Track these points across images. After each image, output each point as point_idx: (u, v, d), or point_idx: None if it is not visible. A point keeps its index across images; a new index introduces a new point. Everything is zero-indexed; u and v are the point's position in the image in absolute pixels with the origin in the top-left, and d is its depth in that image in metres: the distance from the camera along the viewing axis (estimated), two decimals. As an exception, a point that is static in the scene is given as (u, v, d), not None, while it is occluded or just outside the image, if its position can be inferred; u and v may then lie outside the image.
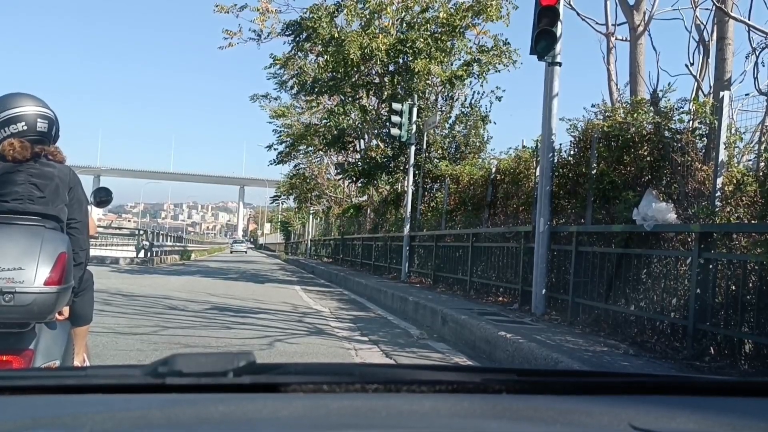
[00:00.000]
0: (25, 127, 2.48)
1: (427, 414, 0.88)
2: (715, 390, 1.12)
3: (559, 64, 6.93)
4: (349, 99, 17.07)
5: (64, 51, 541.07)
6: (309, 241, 37.00)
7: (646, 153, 6.10)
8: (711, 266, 4.78)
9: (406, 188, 13.83)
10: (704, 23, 8.38)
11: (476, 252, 9.69)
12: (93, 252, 3.82)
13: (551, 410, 0.92)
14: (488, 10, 14.55)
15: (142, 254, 21.54)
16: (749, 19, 7.03)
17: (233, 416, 0.82)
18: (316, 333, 6.53)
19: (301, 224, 44.11)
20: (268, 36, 16.80)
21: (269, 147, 26.80)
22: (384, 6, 15.47)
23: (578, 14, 9.70)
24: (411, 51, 14.88)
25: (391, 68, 15.94)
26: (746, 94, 7.43)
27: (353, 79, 16.14)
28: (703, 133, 5.78)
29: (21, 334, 2.28)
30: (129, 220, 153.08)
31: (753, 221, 4.91)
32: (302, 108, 25.50)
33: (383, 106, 17.07)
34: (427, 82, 15.17)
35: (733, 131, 5.45)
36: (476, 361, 5.46)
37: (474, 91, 15.44)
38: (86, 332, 2.91)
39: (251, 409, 0.86)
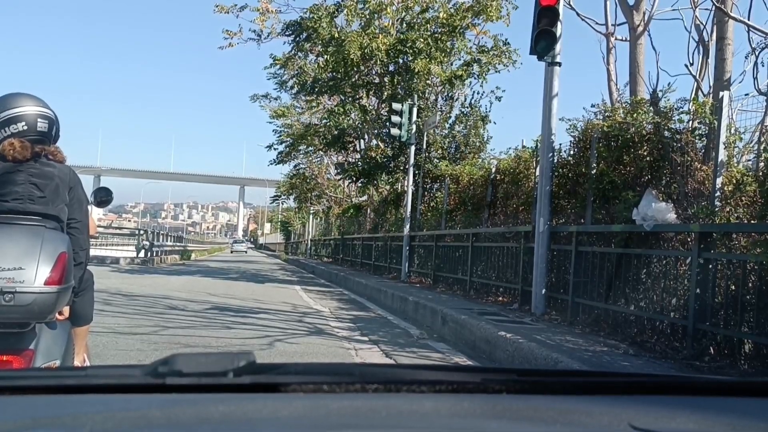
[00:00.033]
0: (26, 127, 2.48)
1: (427, 414, 0.88)
2: (714, 390, 1.12)
3: (559, 64, 6.93)
4: (349, 99, 17.07)
5: (64, 51, 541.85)
6: (309, 241, 37.01)
7: (645, 153, 6.10)
8: (711, 266, 4.78)
9: (406, 188, 13.83)
10: (704, 23, 8.38)
11: (476, 252, 9.69)
12: (93, 252, 3.82)
13: (551, 410, 0.92)
14: (488, 10, 14.55)
15: (142, 254, 21.54)
16: (749, 19, 7.03)
17: (233, 416, 0.82)
18: (316, 333, 6.53)
19: (301, 224, 44.12)
20: (268, 36, 16.82)
21: (269, 147, 26.81)
22: (384, 6, 15.47)
23: (578, 14, 9.70)
24: (411, 51, 14.88)
25: (391, 68, 15.94)
26: (746, 94, 7.43)
27: (353, 79, 16.14)
28: (703, 133, 5.78)
29: (21, 334, 2.28)
30: (129, 220, 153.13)
31: (752, 221, 4.91)
32: (302, 108, 25.49)
33: (383, 106, 17.07)
34: (427, 82, 15.18)
35: (732, 131, 5.45)
36: (476, 361, 5.46)
37: (474, 91, 15.46)
38: (86, 332, 2.91)
39: (251, 409, 0.86)
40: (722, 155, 5.14)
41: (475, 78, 15.19)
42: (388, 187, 17.28)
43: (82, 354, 2.86)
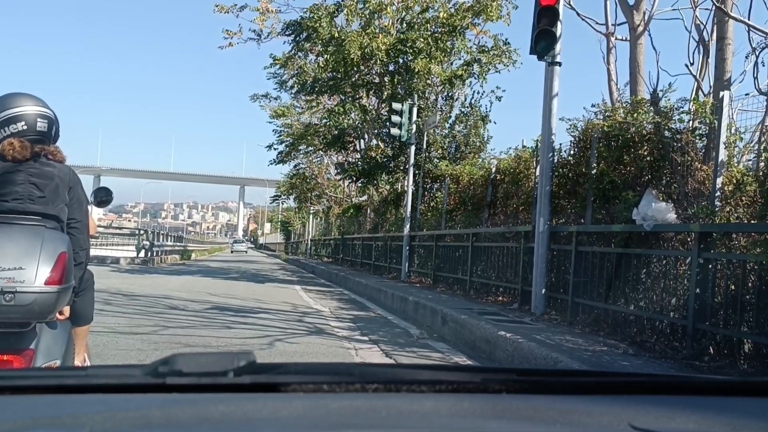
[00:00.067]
0: (25, 127, 2.48)
1: (427, 414, 0.88)
2: (714, 390, 1.12)
3: (559, 64, 6.93)
4: (349, 99, 17.07)
5: (64, 51, 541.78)
6: (309, 241, 37.01)
7: (646, 153, 6.10)
8: (710, 266, 4.78)
9: (406, 188, 13.83)
10: (704, 23, 8.38)
11: (476, 252, 9.69)
12: (93, 252, 3.82)
13: (551, 410, 0.92)
14: (488, 10, 14.54)
15: (142, 254, 21.54)
16: (749, 19, 7.03)
17: (233, 416, 0.83)
18: (316, 333, 6.53)
19: (301, 224, 44.13)
20: (268, 36, 16.82)
21: (269, 147, 26.83)
22: (384, 6, 15.46)
23: (578, 14, 9.70)
24: (411, 51, 14.88)
25: (391, 68, 15.94)
26: (746, 94, 7.43)
27: (353, 79, 16.14)
28: (703, 132, 5.77)
29: (21, 334, 2.28)
30: (129, 220, 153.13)
31: (752, 221, 4.91)
32: (302, 108, 25.49)
33: (383, 105, 17.07)
34: (427, 81, 15.18)
35: (732, 131, 5.45)
36: (476, 360, 5.46)
37: (474, 91, 15.46)
38: (87, 332, 2.91)
39: (251, 409, 0.86)
40: (722, 155, 5.14)
41: (475, 78, 15.20)
42: (388, 187, 17.28)
43: (82, 354, 2.86)
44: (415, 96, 14.32)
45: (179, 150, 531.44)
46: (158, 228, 32.24)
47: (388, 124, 15.00)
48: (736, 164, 5.47)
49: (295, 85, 20.11)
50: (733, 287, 4.61)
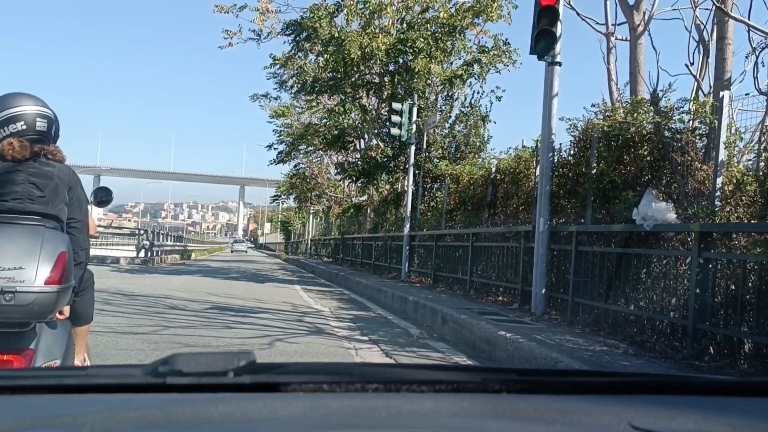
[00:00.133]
0: (24, 127, 2.48)
1: (427, 414, 0.88)
2: (714, 390, 1.12)
3: (559, 63, 6.93)
4: (349, 99, 17.06)
5: (64, 51, 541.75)
6: (309, 241, 37.02)
7: (646, 153, 6.10)
8: (710, 266, 4.78)
9: (406, 188, 13.83)
10: (704, 23, 8.38)
11: (476, 252, 9.69)
12: (93, 252, 3.82)
13: (551, 410, 0.92)
14: (488, 10, 14.54)
15: (142, 254, 21.54)
16: (749, 19, 7.03)
17: (233, 416, 0.82)
18: (316, 332, 6.53)
19: (301, 224, 44.13)
20: (268, 36, 16.82)
21: (269, 147, 26.84)
22: (384, 6, 15.46)
23: (578, 14, 9.70)
24: (411, 50, 14.88)
25: (391, 68, 15.94)
26: (746, 94, 7.42)
27: (353, 79, 16.14)
28: (703, 132, 5.78)
29: (21, 334, 2.28)
30: (129, 220, 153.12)
31: (753, 221, 4.91)
32: (302, 108, 25.49)
33: (383, 105, 17.07)
34: (427, 81, 15.17)
35: (733, 131, 5.45)
36: (476, 360, 5.46)
37: (474, 91, 15.46)
38: (87, 332, 2.91)
39: (251, 409, 0.86)
40: (722, 155, 5.14)
41: (475, 78, 15.20)
42: (388, 186, 17.28)
43: (82, 353, 2.86)
44: (415, 96, 14.32)
45: (179, 150, 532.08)
46: (158, 228, 32.24)
47: (388, 124, 15.00)
48: (736, 164, 5.47)
49: (295, 85, 20.10)
50: (733, 287, 4.61)
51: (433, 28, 15.09)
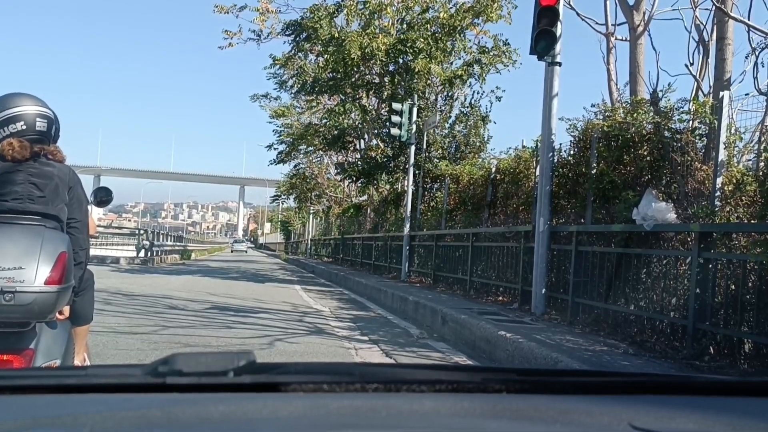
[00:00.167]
0: (24, 127, 2.48)
1: (427, 414, 0.88)
2: (714, 390, 1.12)
3: (559, 64, 6.93)
4: (349, 99, 17.06)
5: (64, 51, 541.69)
6: (309, 241, 37.02)
7: (645, 153, 6.10)
8: (710, 266, 4.78)
9: (406, 188, 13.83)
10: (704, 23, 8.37)
11: (476, 252, 9.69)
12: (93, 252, 3.82)
13: (551, 410, 0.92)
14: (488, 11, 14.54)
15: (142, 254, 21.54)
16: (749, 19, 7.03)
17: (233, 416, 0.82)
18: (316, 332, 6.53)
19: (301, 224, 44.14)
20: (268, 36, 16.81)
21: (269, 147, 26.83)
22: (384, 6, 15.46)
23: (578, 14, 9.69)
24: (411, 51, 14.88)
25: (391, 68, 15.94)
26: (746, 94, 7.42)
27: (353, 79, 16.14)
28: (703, 132, 5.77)
29: (21, 334, 2.28)
30: (129, 220, 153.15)
31: (752, 221, 4.91)
32: (302, 108, 25.49)
33: (383, 106, 17.07)
34: (427, 81, 15.18)
35: (732, 131, 5.45)
36: (476, 360, 5.46)
37: (474, 91, 15.47)
38: (86, 332, 2.91)
39: (251, 409, 0.86)
40: (722, 155, 5.14)
41: (475, 78, 15.20)
42: (388, 186, 17.29)
43: (82, 353, 2.86)
44: (415, 96, 14.33)
45: (179, 150, 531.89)
46: (158, 228, 32.25)
47: (388, 124, 15.00)
48: (736, 164, 5.47)
49: (295, 85, 20.11)
50: (733, 287, 4.61)
51: (433, 28, 15.09)
